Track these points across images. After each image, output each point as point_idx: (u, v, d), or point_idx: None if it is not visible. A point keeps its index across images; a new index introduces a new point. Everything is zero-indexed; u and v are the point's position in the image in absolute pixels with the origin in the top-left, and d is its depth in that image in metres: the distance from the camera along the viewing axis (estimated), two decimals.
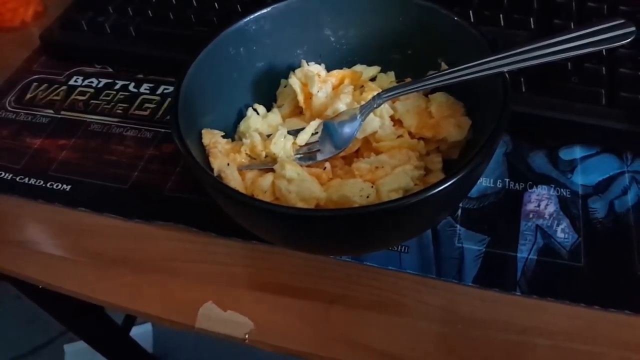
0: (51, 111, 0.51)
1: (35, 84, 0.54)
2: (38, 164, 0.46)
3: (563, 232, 0.37)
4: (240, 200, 0.29)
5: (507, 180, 0.40)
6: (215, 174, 0.35)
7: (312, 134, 0.38)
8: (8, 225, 0.43)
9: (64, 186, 0.44)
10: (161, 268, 0.39)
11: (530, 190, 0.40)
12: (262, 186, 0.34)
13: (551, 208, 0.39)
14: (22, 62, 0.57)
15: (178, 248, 0.39)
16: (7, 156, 0.47)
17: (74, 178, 0.45)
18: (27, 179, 0.45)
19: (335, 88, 0.40)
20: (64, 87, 0.53)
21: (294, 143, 0.37)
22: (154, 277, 0.38)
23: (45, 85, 0.54)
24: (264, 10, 0.39)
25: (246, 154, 0.37)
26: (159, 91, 0.51)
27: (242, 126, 0.39)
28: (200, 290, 0.37)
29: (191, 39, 0.50)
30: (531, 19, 0.46)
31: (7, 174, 0.46)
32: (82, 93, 0.52)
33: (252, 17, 0.39)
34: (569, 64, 0.42)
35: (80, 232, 0.42)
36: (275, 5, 0.39)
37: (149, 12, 0.53)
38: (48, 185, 0.44)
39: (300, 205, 0.33)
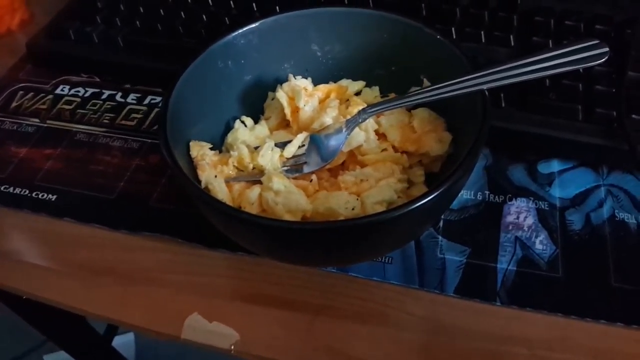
0: (37, 120, 0.51)
1: (21, 92, 0.54)
2: (23, 174, 0.46)
3: (541, 244, 0.38)
4: (227, 213, 0.30)
5: (487, 192, 0.41)
6: (203, 186, 0.35)
7: (299, 147, 0.38)
8: None
9: (50, 196, 0.44)
10: (147, 279, 0.39)
11: (509, 203, 0.41)
12: (250, 198, 0.35)
13: (530, 220, 0.40)
14: (7, 70, 0.56)
15: (164, 259, 0.40)
16: None
17: (60, 188, 0.45)
18: (12, 188, 0.45)
19: (321, 102, 0.41)
20: (50, 96, 0.53)
21: (281, 155, 0.38)
22: (140, 288, 0.38)
23: (32, 93, 0.54)
24: (253, 25, 0.40)
25: (234, 165, 0.37)
26: (146, 101, 0.51)
27: (230, 138, 0.40)
28: (186, 301, 0.37)
29: (179, 50, 0.50)
30: (511, 36, 0.47)
31: None
32: (69, 102, 0.52)
33: (240, 31, 0.39)
34: (547, 80, 0.43)
35: (66, 242, 0.42)
36: (263, 20, 0.40)
37: (137, 22, 0.53)
38: (33, 194, 0.44)
39: (287, 217, 0.34)
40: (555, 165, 0.43)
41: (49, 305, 0.39)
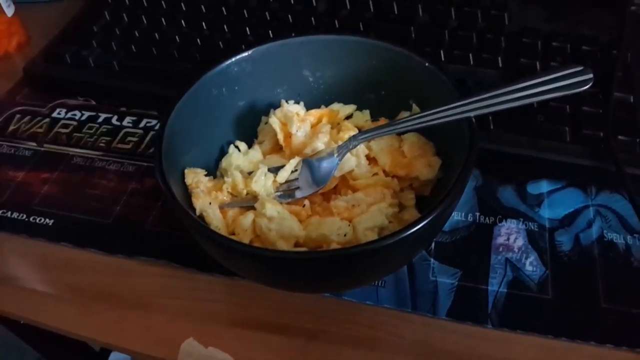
0: (34, 144, 0.52)
1: (18, 115, 0.55)
2: (21, 198, 0.47)
3: (531, 265, 0.39)
4: (220, 242, 0.31)
5: (477, 214, 0.42)
6: (198, 213, 0.36)
7: (292, 172, 0.39)
8: None
9: (47, 220, 0.45)
10: (143, 304, 0.39)
11: (499, 224, 0.41)
12: (243, 224, 0.35)
13: (520, 241, 0.40)
14: (4, 94, 0.57)
15: (160, 284, 0.40)
16: None
17: (57, 212, 0.45)
18: (9, 212, 0.46)
19: (313, 126, 0.42)
20: (47, 120, 0.54)
21: (274, 181, 0.39)
22: (136, 312, 0.39)
23: (28, 117, 0.54)
24: (246, 54, 0.41)
25: (228, 191, 0.38)
26: (142, 124, 0.52)
27: (224, 163, 0.40)
28: (182, 326, 0.38)
29: (174, 74, 0.51)
30: (499, 58, 0.48)
31: None
32: (65, 126, 0.53)
33: (234, 59, 0.40)
34: (534, 103, 0.44)
35: (63, 267, 0.42)
36: (256, 48, 0.41)
37: (133, 47, 0.54)
38: (31, 219, 0.45)
39: (280, 243, 0.34)
40: (544, 186, 0.43)
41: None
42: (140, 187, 0.46)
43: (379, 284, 0.38)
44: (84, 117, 0.53)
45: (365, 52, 0.41)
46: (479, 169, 0.45)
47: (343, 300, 0.38)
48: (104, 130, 0.52)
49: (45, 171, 0.49)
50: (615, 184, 0.42)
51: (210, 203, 0.36)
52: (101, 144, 0.51)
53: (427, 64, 0.38)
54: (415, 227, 0.29)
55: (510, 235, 0.41)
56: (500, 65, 0.48)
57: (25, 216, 0.45)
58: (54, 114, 0.54)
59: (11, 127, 0.53)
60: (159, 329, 0.38)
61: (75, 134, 0.52)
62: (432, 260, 0.40)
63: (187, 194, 0.37)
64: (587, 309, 0.36)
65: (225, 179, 0.38)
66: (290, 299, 0.38)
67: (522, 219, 0.42)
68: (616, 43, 0.47)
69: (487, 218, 0.42)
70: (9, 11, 0.61)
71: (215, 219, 0.36)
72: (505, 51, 0.49)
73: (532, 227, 0.41)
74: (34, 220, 0.45)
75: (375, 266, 0.32)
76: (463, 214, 0.42)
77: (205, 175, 0.39)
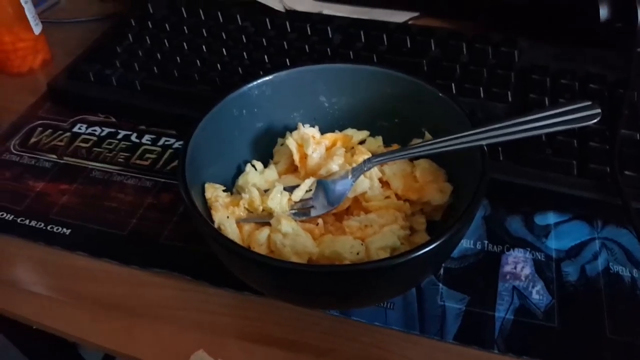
0: (54, 156, 0.53)
1: (39, 129, 0.56)
2: (39, 207, 0.48)
3: (538, 294, 0.40)
4: (240, 253, 0.31)
5: (486, 242, 0.43)
6: (216, 225, 0.37)
7: (306, 191, 0.40)
8: (6, 265, 0.44)
9: (64, 230, 0.46)
10: (155, 314, 0.40)
11: (507, 253, 0.42)
12: (259, 239, 0.37)
13: (527, 270, 0.41)
14: (28, 107, 0.59)
15: (172, 295, 0.41)
16: (9, 198, 0.49)
17: (74, 222, 0.46)
18: (27, 220, 0.47)
19: (328, 149, 0.43)
20: (67, 134, 0.55)
21: (289, 199, 0.40)
22: (147, 323, 0.39)
23: (50, 130, 0.56)
24: (267, 78, 0.42)
25: (245, 207, 0.39)
26: (160, 142, 0.53)
27: (241, 180, 0.42)
28: (192, 338, 0.38)
29: (193, 96, 0.53)
30: (509, 93, 0.50)
31: (8, 215, 0.47)
32: (85, 140, 0.54)
33: (255, 83, 0.42)
34: (543, 136, 0.45)
35: (77, 275, 0.43)
36: (276, 74, 0.43)
37: (155, 68, 0.56)
38: (48, 228, 0.46)
39: (294, 258, 0.35)
40: (551, 218, 0.44)
41: (41, 335, 0.40)
42: (157, 202, 0.48)
43: (388, 305, 0.39)
44: (103, 133, 0.55)
45: (380, 81, 0.43)
46: (488, 199, 0.46)
47: (352, 320, 0.38)
48: (123, 146, 0.53)
49: (64, 182, 0.50)
50: (621, 218, 0.43)
51: (227, 217, 0.37)
52: (120, 159, 0.52)
53: (440, 94, 0.40)
54: (428, 247, 0.30)
55: (518, 264, 0.41)
56: (510, 99, 0.49)
57: (43, 225, 0.46)
58: (75, 129, 0.56)
59: (33, 139, 0.55)
60: (170, 339, 0.38)
61: (94, 149, 0.53)
62: (440, 285, 0.40)
63: (206, 207, 0.38)
64: (593, 339, 0.37)
65: (243, 195, 0.40)
66: (300, 316, 0.39)
67: (529, 249, 0.42)
68: (623, 82, 0.49)
69: (495, 246, 0.43)
70: (37, 29, 0.63)
71: (232, 233, 0.37)
72: (514, 86, 0.50)
73: (539, 257, 0.42)
74: (51, 229, 0.46)
75: (387, 284, 0.33)
76: (472, 241, 0.43)
77: (223, 191, 0.40)
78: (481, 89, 0.50)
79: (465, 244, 0.43)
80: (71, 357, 0.89)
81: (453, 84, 0.50)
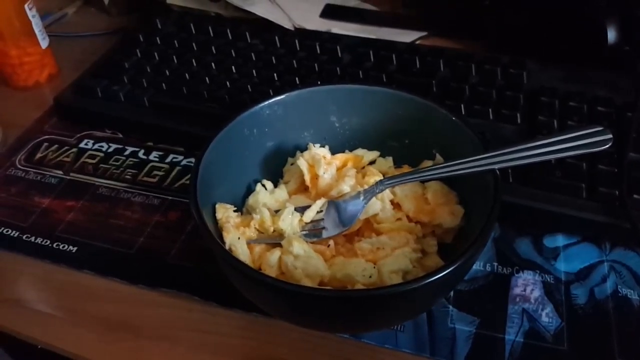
0: (60, 172, 0.53)
1: (46, 144, 0.56)
2: (45, 224, 0.48)
3: (547, 317, 0.40)
4: (251, 276, 0.31)
5: (495, 264, 0.43)
6: (227, 246, 0.37)
7: (317, 212, 0.40)
8: (11, 283, 0.44)
9: (70, 247, 0.46)
10: (162, 335, 0.40)
11: (517, 275, 0.42)
12: (270, 261, 0.36)
13: (536, 293, 0.41)
14: (33, 122, 0.59)
15: (179, 316, 0.41)
16: (14, 214, 0.49)
17: (80, 240, 0.46)
18: (33, 237, 0.46)
19: (339, 169, 0.43)
20: (74, 149, 0.55)
21: (300, 220, 0.40)
22: (155, 343, 0.39)
23: (56, 146, 0.56)
24: (278, 98, 0.43)
25: (255, 228, 0.39)
26: (168, 159, 0.53)
27: (251, 200, 0.42)
28: (199, 358, 0.38)
29: (202, 114, 0.53)
30: (518, 115, 0.50)
31: (13, 232, 0.47)
32: (92, 156, 0.54)
33: (267, 102, 0.42)
34: (552, 159, 0.46)
35: (84, 294, 0.43)
36: (288, 94, 0.43)
37: (163, 85, 0.56)
38: (54, 245, 0.46)
39: (305, 281, 0.35)
40: (560, 240, 0.44)
41: (49, 357, 0.40)
42: (165, 220, 0.47)
43: (399, 328, 0.39)
44: (110, 149, 0.55)
45: (391, 102, 0.43)
46: (498, 221, 0.45)
47: (362, 343, 0.38)
48: (130, 162, 0.53)
49: (70, 199, 0.50)
50: (629, 240, 0.43)
51: (239, 238, 0.37)
52: (127, 176, 0.52)
53: (453, 118, 0.40)
54: (443, 272, 0.30)
55: (527, 286, 0.41)
56: (519, 121, 0.50)
57: (48, 242, 0.46)
58: (81, 145, 0.56)
59: (38, 155, 0.55)
60: None
61: (101, 165, 0.53)
62: (450, 307, 0.40)
63: (216, 227, 0.38)
64: None
65: (254, 215, 0.40)
66: (309, 338, 0.38)
67: (538, 271, 0.42)
68: (631, 105, 0.49)
69: (504, 269, 0.43)
70: (44, 43, 0.64)
71: (243, 254, 0.37)
72: (523, 108, 0.51)
73: (549, 280, 0.42)
74: (57, 247, 0.46)
75: (400, 309, 0.33)
76: (482, 263, 0.43)
77: (234, 212, 0.40)
78: (490, 110, 0.50)
79: (475, 266, 0.43)
80: None
81: (462, 105, 0.51)
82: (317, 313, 0.33)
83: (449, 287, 0.37)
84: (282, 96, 0.43)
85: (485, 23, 0.62)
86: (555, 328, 0.39)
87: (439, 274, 0.30)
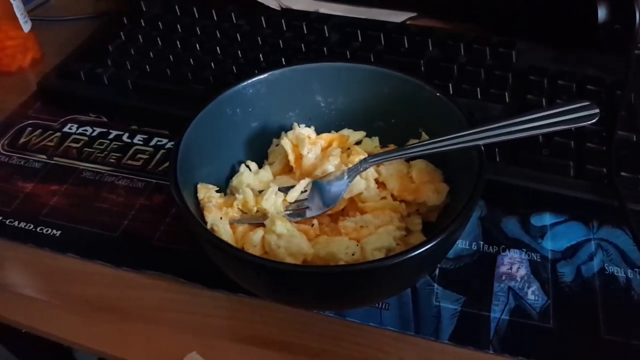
0: (44, 156, 0.52)
1: (29, 128, 0.55)
2: (29, 208, 0.47)
3: (533, 294, 0.39)
4: (233, 254, 0.31)
5: (481, 243, 0.43)
6: (209, 226, 0.36)
7: (301, 192, 0.40)
8: None
9: (54, 231, 0.45)
10: (147, 317, 0.39)
11: (503, 254, 0.42)
12: (253, 240, 0.36)
13: (522, 271, 0.41)
14: (17, 107, 0.58)
15: (165, 298, 0.40)
16: None
17: (64, 224, 0.46)
18: (16, 222, 0.46)
19: (324, 150, 0.43)
20: (58, 134, 0.54)
21: (284, 200, 0.39)
22: (140, 325, 0.39)
23: (40, 130, 0.55)
24: (261, 76, 0.42)
25: (238, 208, 0.39)
26: (152, 143, 0.53)
27: (235, 181, 0.41)
28: (186, 340, 0.38)
29: (187, 95, 0.52)
30: (506, 94, 0.50)
31: None
32: (76, 140, 0.54)
33: (250, 81, 0.41)
34: (540, 137, 0.45)
35: (68, 277, 0.42)
36: (271, 72, 0.42)
37: (147, 66, 0.55)
38: (38, 229, 0.45)
39: (289, 259, 0.35)
40: (547, 219, 0.44)
41: (39, 343, 0.40)
42: (149, 203, 0.47)
43: (383, 306, 0.39)
44: (94, 133, 0.54)
45: (378, 80, 0.43)
46: (484, 200, 0.45)
47: (347, 321, 0.38)
48: (115, 146, 0.53)
49: (54, 183, 0.49)
50: (616, 219, 0.43)
51: (221, 218, 0.36)
52: (111, 160, 0.51)
53: (438, 94, 0.39)
54: (423, 247, 0.30)
55: (513, 264, 0.41)
56: (507, 100, 0.49)
57: (32, 226, 0.46)
58: (65, 129, 0.55)
59: (22, 140, 0.54)
60: (162, 342, 0.38)
61: (85, 149, 0.53)
62: (435, 285, 0.40)
63: (198, 208, 0.38)
64: (588, 339, 0.37)
65: (237, 195, 0.39)
66: (294, 317, 0.38)
67: (525, 250, 0.42)
68: (620, 84, 0.48)
69: (490, 247, 0.42)
70: (26, 27, 0.63)
71: (225, 234, 0.36)
72: (512, 87, 0.50)
73: (535, 258, 0.42)
74: (40, 231, 0.45)
75: (383, 284, 0.32)
76: (467, 242, 0.43)
77: (217, 192, 0.39)
78: (479, 89, 0.50)
79: (461, 244, 0.42)
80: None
81: (450, 85, 0.50)
82: (301, 290, 0.33)
83: (432, 263, 0.37)
84: (265, 75, 0.42)
85: (475, 4, 0.62)
86: (541, 306, 0.39)
87: (422, 248, 0.30)
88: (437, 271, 0.41)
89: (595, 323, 0.38)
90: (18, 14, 0.61)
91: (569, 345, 0.37)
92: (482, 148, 0.35)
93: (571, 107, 0.36)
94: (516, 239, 0.43)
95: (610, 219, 0.44)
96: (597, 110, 0.36)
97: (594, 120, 0.36)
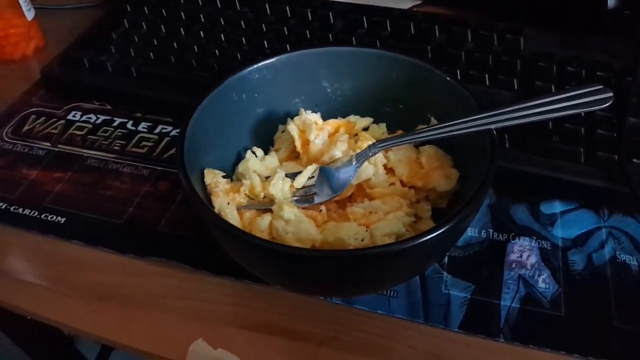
0: (48, 144, 0.52)
1: (33, 116, 0.55)
2: (33, 195, 0.47)
3: (544, 282, 0.39)
4: (242, 238, 0.30)
5: (491, 230, 0.42)
6: (216, 211, 0.36)
7: (309, 178, 0.39)
8: (0, 254, 0.43)
9: (59, 218, 0.45)
10: (153, 304, 0.39)
11: (513, 241, 0.41)
12: (260, 226, 0.36)
13: (533, 259, 0.40)
14: (21, 95, 0.58)
15: (170, 285, 0.40)
16: (2, 186, 0.48)
17: (69, 211, 0.45)
18: (21, 209, 0.46)
19: (331, 136, 0.42)
20: (62, 121, 0.54)
21: (291, 186, 0.39)
22: (145, 312, 0.38)
23: (43, 118, 0.55)
24: (268, 61, 0.41)
25: (245, 194, 0.38)
26: (157, 130, 0.52)
27: (241, 167, 0.41)
28: (191, 327, 0.37)
29: (191, 82, 0.51)
30: (514, 80, 0.49)
31: (1, 204, 0.46)
32: (80, 128, 0.53)
33: (255, 66, 0.41)
34: (550, 123, 0.45)
35: (73, 264, 0.42)
36: (278, 57, 0.42)
37: (151, 54, 0.55)
38: (42, 216, 0.45)
39: (297, 245, 0.34)
40: (557, 206, 0.44)
41: (38, 331, 0.39)
42: (154, 190, 0.46)
43: (391, 294, 0.38)
44: (99, 121, 0.54)
45: (385, 65, 0.42)
46: (493, 187, 0.45)
47: (354, 309, 0.38)
48: (119, 134, 0.52)
49: (58, 171, 0.49)
50: (628, 206, 0.43)
51: (228, 203, 0.36)
52: (115, 147, 0.51)
53: (448, 79, 0.39)
54: (433, 233, 0.30)
55: (524, 252, 0.41)
56: (516, 87, 0.49)
57: (37, 213, 0.45)
58: (69, 117, 0.55)
59: (26, 127, 0.54)
60: (168, 329, 0.37)
61: (89, 137, 0.52)
62: (445, 273, 0.39)
63: (205, 194, 0.37)
64: (600, 327, 0.36)
65: (244, 181, 0.39)
66: (301, 304, 0.38)
67: (535, 238, 0.42)
68: (630, 70, 0.48)
69: (500, 235, 0.42)
70: (29, 15, 0.62)
71: (233, 219, 0.36)
72: (520, 74, 0.49)
73: (545, 246, 0.41)
74: (45, 218, 0.45)
75: (392, 271, 0.32)
76: (477, 230, 0.42)
77: (223, 177, 0.39)
78: (486, 76, 0.49)
79: (470, 232, 0.42)
80: (68, 351, 0.88)
81: (458, 71, 0.49)
82: (309, 275, 0.32)
83: (442, 250, 0.36)
84: (272, 60, 0.41)
85: None
86: (552, 294, 0.38)
87: (431, 234, 0.29)
88: (446, 259, 0.40)
89: (607, 311, 0.37)
90: (21, 2, 0.60)
91: (580, 333, 0.36)
92: (495, 132, 0.35)
93: (584, 90, 0.35)
94: (526, 226, 0.42)
95: (622, 206, 0.43)
96: (611, 94, 0.35)
97: (607, 104, 0.35)
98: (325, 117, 0.44)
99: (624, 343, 0.36)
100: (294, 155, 0.43)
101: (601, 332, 0.36)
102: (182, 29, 0.57)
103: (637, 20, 0.52)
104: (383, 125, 0.44)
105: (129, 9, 0.62)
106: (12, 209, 0.46)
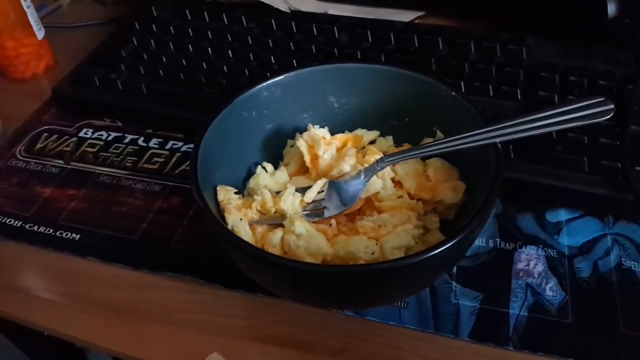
0: (61, 161, 0.53)
1: (45, 134, 0.56)
2: (47, 213, 0.48)
3: (551, 290, 0.40)
4: (256, 255, 0.31)
5: (498, 240, 0.43)
6: (229, 227, 0.37)
7: (318, 192, 0.40)
8: (16, 272, 0.44)
9: (74, 235, 0.46)
10: (168, 318, 0.40)
11: (519, 250, 0.42)
12: (272, 241, 0.36)
13: (540, 267, 0.41)
14: (32, 113, 0.59)
15: (185, 299, 0.41)
16: (17, 204, 0.49)
17: (84, 228, 0.46)
18: (36, 227, 0.47)
19: (339, 150, 0.43)
20: (74, 139, 0.55)
21: (301, 200, 0.40)
22: (160, 326, 0.39)
23: (56, 136, 0.56)
24: (276, 79, 0.42)
25: (257, 209, 0.39)
26: (168, 146, 0.53)
27: (252, 183, 0.41)
28: (206, 341, 0.38)
29: (200, 99, 0.53)
30: (518, 91, 0.50)
31: (16, 222, 0.47)
32: (92, 145, 0.54)
33: (264, 84, 0.42)
34: (553, 133, 0.45)
35: (89, 281, 0.43)
36: (286, 75, 0.43)
37: (160, 71, 0.56)
38: (57, 233, 0.46)
39: (308, 259, 0.35)
40: (562, 215, 0.44)
41: (52, 343, 0.40)
42: (167, 206, 0.47)
43: (402, 305, 0.39)
44: (110, 138, 0.55)
45: (391, 80, 0.43)
46: (499, 197, 0.45)
47: (366, 320, 0.38)
48: (130, 150, 0.53)
49: (72, 188, 0.50)
50: (632, 213, 0.43)
51: (241, 219, 0.37)
52: (127, 164, 0.52)
53: (454, 94, 0.40)
54: (443, 246, 0.30)
55: (530, 261, 0.41)
56: (519, 97, 0.49)
57: (51, 230, 0.46)
58: (81, 134, 0.56)
59: (38, 145, 0.55)
60: (183, 343, 0.38)
61: (101, 154, 0.53)
62: (454, 283, 0.40)
63: (218, 210, 0.38)
64: (607, 334, 0.37)
65: (255, 197, 0.39)
66: (314, 317, 0.39)
67: (541, 246, 0.42)
68: (632, 79, 0.48)
69: (507, 244, 0.43)
70: (40, 34, 0.63)
71: (245, 234, 0.37)
72: (523, 84, 0.50)
73: (552, 254, 0.42)
74: (60, 235, 0.46)
75: (403, 284, 0.33)
76: (484, 239, 0.43)
77: (235, 194, 0.40)
78: (490, 87, 0.50)
79: (478, 242, 0.43)
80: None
81: (462, 83, 0.50)
82: (321, 290, 0.33)
83: (451, 262, 0.37)
84: (280, 77, 0.42)
85: (483, 1, 0.62)
86: (560, 302, 0.39)
87: (441, 247, 0.30)
88: (455, 269, 0.41)
89: (614, 318, 0.38)
90: (32, 22, 0.62)
91: (588, 340, 0.37)
92: (499, 146, 0.36)
93: (586, 103, 0.36)
94: (532, 235, 0.43)
95: (626, 213, 0.44)
96: (612, 106, 0.36)
97: (609, 116, 0.36)
98: (332, 132, 0.45)
99: (632, 349, 0.36)
100: (303, 170, 0.44)
101: (609, 339, 0.37)
102: (190, 46, 0.58)
103: (637, 29, 0.52)
104: (390, 139, 0.45)
105: (137, 26, 0.63)
106: (27, 226, 0.47)
